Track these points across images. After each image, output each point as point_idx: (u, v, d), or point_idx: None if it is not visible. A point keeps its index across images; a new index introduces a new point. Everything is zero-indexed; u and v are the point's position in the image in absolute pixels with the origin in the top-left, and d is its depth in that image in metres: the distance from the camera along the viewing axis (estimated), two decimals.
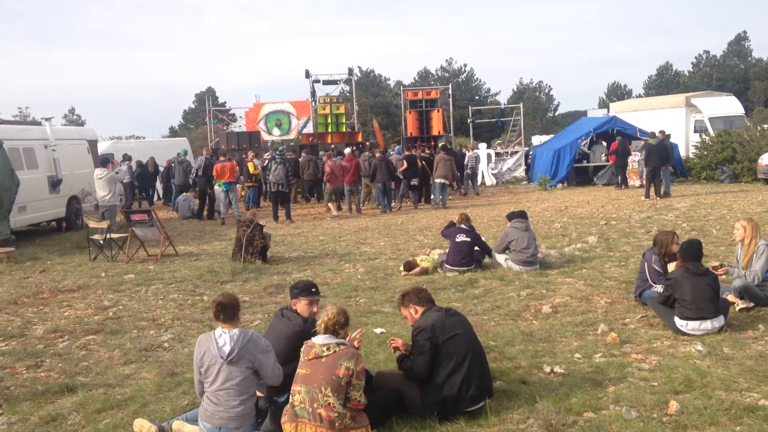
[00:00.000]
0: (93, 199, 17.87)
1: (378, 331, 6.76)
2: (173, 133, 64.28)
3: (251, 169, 20.33)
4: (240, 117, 32.79)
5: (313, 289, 5.25)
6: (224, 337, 4.46)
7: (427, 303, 4.94)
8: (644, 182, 19.23)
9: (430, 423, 4.51)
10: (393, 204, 19.82)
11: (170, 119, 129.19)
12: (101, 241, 12.19)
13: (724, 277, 7.11)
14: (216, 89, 73.34)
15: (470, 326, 4.99)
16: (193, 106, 72.86)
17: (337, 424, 4.18)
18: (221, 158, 17.83)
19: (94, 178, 15.02)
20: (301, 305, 5.15)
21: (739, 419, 4.32)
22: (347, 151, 20.08)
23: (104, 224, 12.60)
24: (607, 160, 23.53)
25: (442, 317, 4.78)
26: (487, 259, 10.00)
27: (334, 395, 4.19)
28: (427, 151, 21.60)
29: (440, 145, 22.68)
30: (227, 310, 4.52)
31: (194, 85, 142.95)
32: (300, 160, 21.70)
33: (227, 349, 4.41)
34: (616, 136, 22.97)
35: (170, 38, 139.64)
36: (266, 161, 20.43)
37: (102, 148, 26.80)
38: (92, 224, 12.88)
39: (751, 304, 6.73)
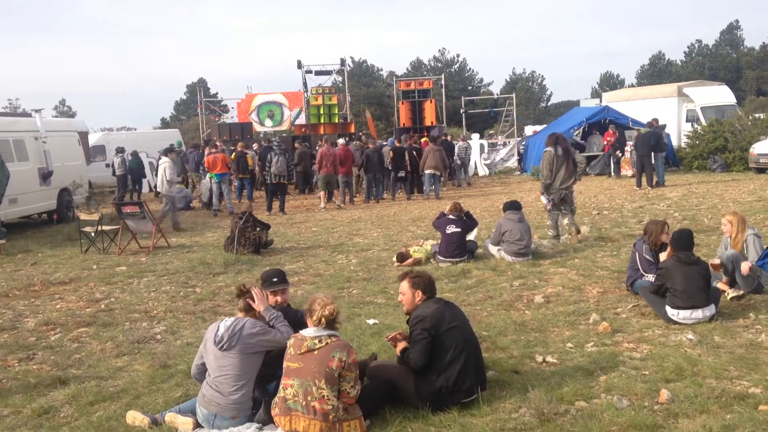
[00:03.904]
0: (84, 191, 17.80)
1: (371, 322, 6.77)
2: (165, 124, 63.97)
3: (249, 162, 20.30)
4: (232, 108, 32.64)
5: (275, 279, 5.25)
6: (225, 324, 4.62)
7: (432, 294, 4.91)
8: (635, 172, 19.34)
9: (422, 413, 4.52)
10: (384, 195, 19.83)
11: (162, 111, 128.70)
12: (92, 233, 12.14)
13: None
14: (208, 80, 73.13)
15: (467, 320, 4.99)
16: (184, 97, 72.51)
17: (331, 416, 4.18)
18: (212, 150, 17.77)
19: (159, 165, 15.49)
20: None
21: (729, 407, 4.35)
22: (341, 141, 20.04)
23: (95, 216, 12.55)
24: (602, 150, 23.52)
25: (441, 308, 4.77)
26: (479, 250, 10.02)
27: (328, 387, 4.19)
28: (419, 142, 21.57)
29: (427, 136, 22.67)
30: (244, 299, 4.73)
31: (186, 76, 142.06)
32: (297, 152, 21.64)
33: (219, 336, 4.55)
34: (609, 126, 23.00)
35: (162, 29, 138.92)
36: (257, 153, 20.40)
37: (93, 139, 26.74)
38: (83, 216, 12.83)
39: (741, 292, 6.77)
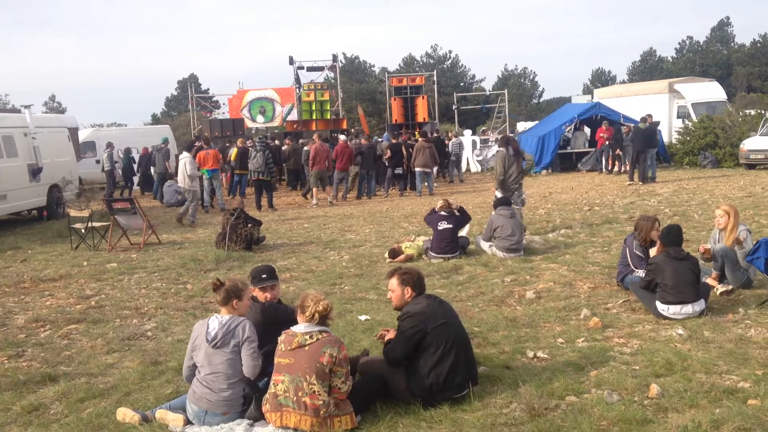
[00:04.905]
0: (74, 188, 17.69)
1: (362, 318, 6.77)
2: (155, 120, 63.69)
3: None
4: (223, 104, 32.62)
5: (264, 276, 5.25)
6: (215, 322, 4.60)
7: (421, 290, 4.91)
8: (628, 166, 19.43)
9: (414, 409, 4.52)
10: (378, 191, 19.81)
11: (152, 106, 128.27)
12: (83, 230, 12.08)
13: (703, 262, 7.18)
14: (199, 76, 72.95)
15: (457, 315, 4.99)
16: (175, 93, 72.25)
17: (321, 412, 4.18)
18: (204, 146, 17.68)
19: (179, 161, 15.27)
20: (257, 292, 5.21)
21: (718, 401, 4.37)
22: (342, 138, 19.98)
23: (85, 213, 12.49)
24: (590, 146, 23.54)
25: (431, 305, 4.76)
26: (471, 246, 10.03)
27: (318, 383, 4.20)
28: (413, 138, 21.55)
29: (419, 132, 22.69)
30: (221, 293, 4.69)
31: (177, 71, 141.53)
32: (283, 148, 21.53)
33: (213, 333, 4.53)
34: (602, 122, 23.07)
35: (152, 24, 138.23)
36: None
37: (83, 135, 26.57)
38: (73, 213, 12.76)
39: (731, 287, 6.81)
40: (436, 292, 7.60)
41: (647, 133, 18.31)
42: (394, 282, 4.91)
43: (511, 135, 12.59)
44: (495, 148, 29.04)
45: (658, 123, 20.03)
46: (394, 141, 20.67)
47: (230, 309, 4.67)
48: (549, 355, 5.45)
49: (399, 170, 19.57)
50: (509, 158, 11.20)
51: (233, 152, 19.76)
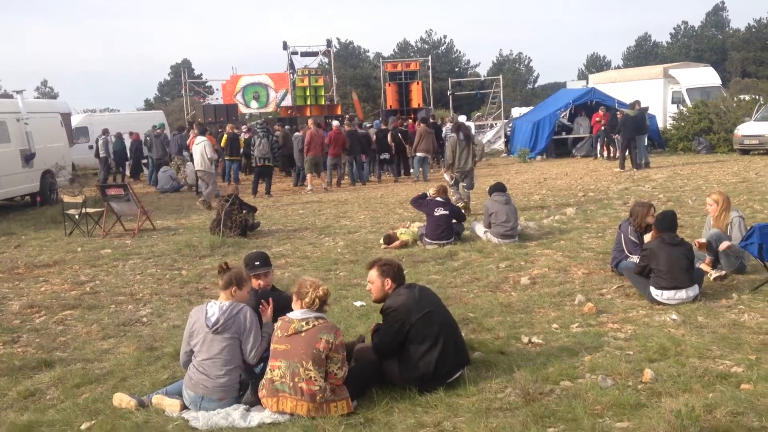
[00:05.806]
0: (67, 173, 17.60)
1: (358, 304, 6.78)
2: (149, 105, 63.31)
3: (241, 144, 20.11)
4: (217, 89, 32.45)
5: (257, 263, 5.27)
6: (214, 308, 4.60)
7: (401, 281, 4.87)
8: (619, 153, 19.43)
9: (409, 394, 4.54)
10: (371, 177, 19.79)
11: (145, 92, 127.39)
12: (76, 216, 12.04)
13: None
14: (192, 61, 72.29)
15: (441, 302, 4.96)
16: (168, 78, 71.76)
17: (318, 397, 4.20)
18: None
19: (194, 145, 15.21)
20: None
21: (711, 386, 4.41)
22: (335, 123, 19.92)
23: (79, 198, 12.44)
24: (590, 131, 23.44)
25: (413, 296, 4.70)
26: (466, 232, 10.04)
27: (315, 369, 4.21)
28: (404, 125, 21.48)
29: (414, 118, 22.57)
30: (224, 276, 4.72)
31: (170, 57, 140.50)
32: (276, 134, 21.46)
33: (214, 319, 4.53)
34: (599, 108, 23.01)
35: (145, 10, 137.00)
36: (249, 135, 20.15)
37: (76, 121, 26.39)
38: (67, 199, 12.71)
39: (724, 273, 6.84)
40: (431, 278, 7.65)
41: (637, 119, 18.31)
42: (373, 273, 4.85)
43: (462, 122, 14.26)
44: (490, 134, 29.21)
45: (646, 108, 20.03)
46: (383, 127, 20.62)
47: (228, 295, 4.68)
48: (543, 341, 5.48)
49: (385, 155, 19.57)
50: (460, 143, 12.02)
51: (224, 138, 19.66)
